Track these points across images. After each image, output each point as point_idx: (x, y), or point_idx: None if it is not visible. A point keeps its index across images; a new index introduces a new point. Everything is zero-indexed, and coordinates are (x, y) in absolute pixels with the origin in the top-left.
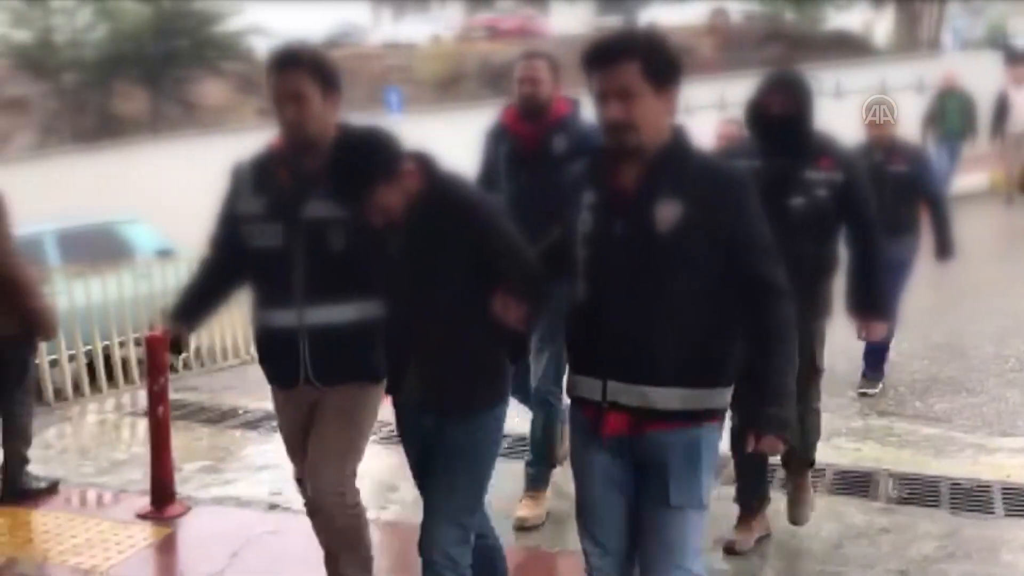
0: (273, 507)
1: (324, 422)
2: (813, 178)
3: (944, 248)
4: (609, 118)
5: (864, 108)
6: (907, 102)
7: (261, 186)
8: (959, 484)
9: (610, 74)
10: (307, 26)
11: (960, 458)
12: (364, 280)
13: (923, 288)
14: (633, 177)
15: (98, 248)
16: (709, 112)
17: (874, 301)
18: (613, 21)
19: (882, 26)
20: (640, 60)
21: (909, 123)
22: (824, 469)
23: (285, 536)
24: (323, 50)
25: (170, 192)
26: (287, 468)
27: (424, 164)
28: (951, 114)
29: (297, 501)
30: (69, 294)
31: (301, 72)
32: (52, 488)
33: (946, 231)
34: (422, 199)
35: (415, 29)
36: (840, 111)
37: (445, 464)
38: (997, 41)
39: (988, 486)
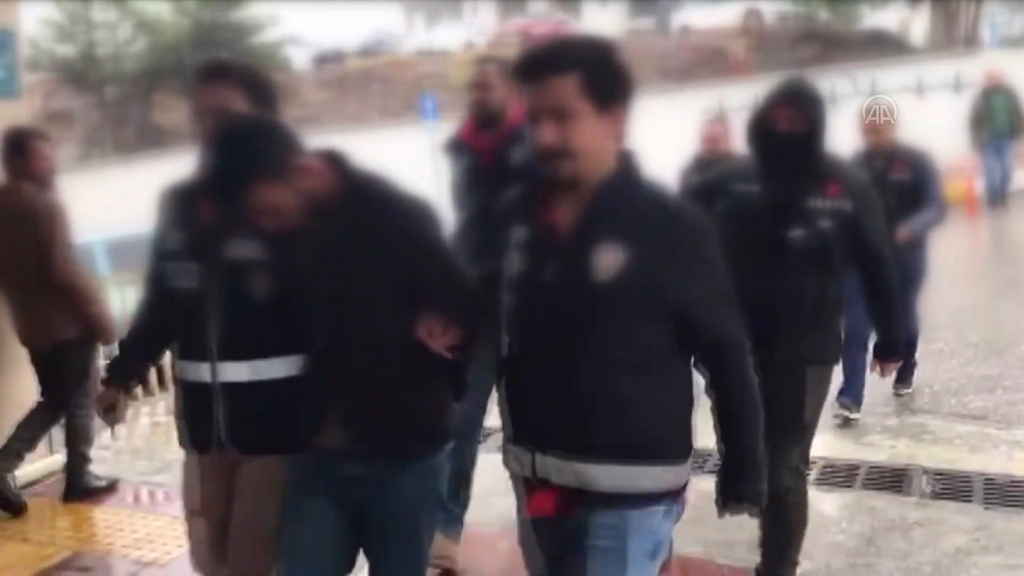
0: None
1: (242, 500)
2: (818, 207)
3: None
4: (541, 142)
5: (862, 110)
6: (944, 101)
7: (182, 218)
8: (993, 480)
9: (543, 90)
10: (342, 35)
11: (994, 454)
12: (293, 332)
13: (960, 287)
14: (570, 213)
15: (146, 256)
16: (744, 114)
17: (888, 344)
18: (646, 23)
19: (919, 24)
20: (579, 73)
21: (946, 123)
22: (859, 466)
23: None
24: (254, 66)
25: None
26: None
27: (334, 162)
28: (998, 112)
29: None
30: (121, 301)
31: (228, 85)
32: (112, 486)
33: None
34: (334, 202)
35: (448, 36)
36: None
37: (380, 531)
38: None
39: (1021, 482)
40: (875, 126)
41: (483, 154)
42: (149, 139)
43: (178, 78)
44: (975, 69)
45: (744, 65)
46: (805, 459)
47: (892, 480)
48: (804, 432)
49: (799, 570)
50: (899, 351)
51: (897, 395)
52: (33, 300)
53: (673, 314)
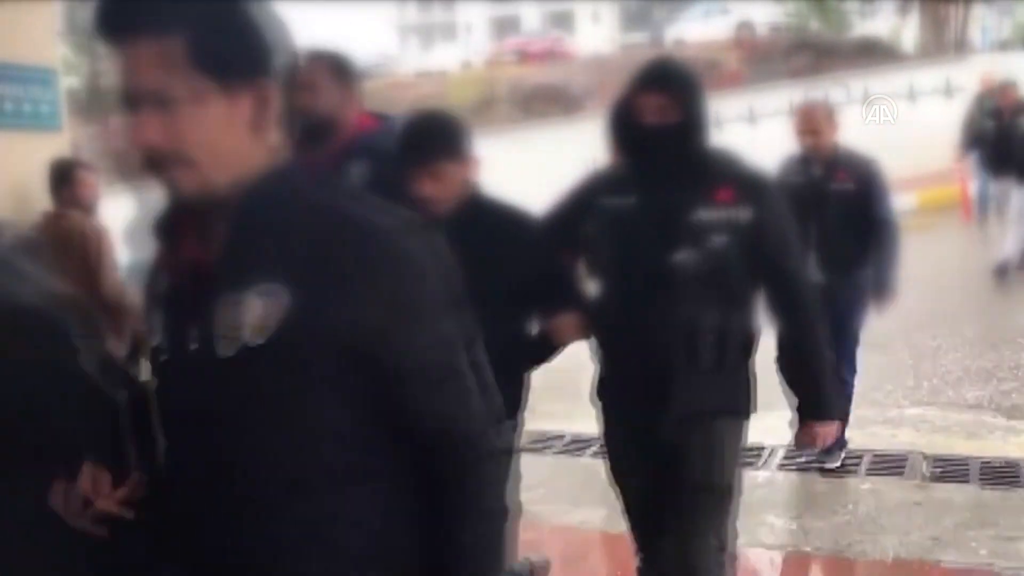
0: None
1: None
2: (706, 219)
3: (884, 288)
4: (134, 140)
5: (796, 114)
6: (936, 107)
7: None
8: (988, 462)
9: (131, 59)
10: None
11: (990, 440)
12: None
13: (954, 286)
14: (205, 248)
15: None
16: (739, 125)
17: (812, 402)
18: (640, 38)
19: (909, 31)
20: (182, 35)
21: (938, 128)
22: (862, 454)
23: None
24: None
25: None
26: None
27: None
28: (990, 118)
29: None
30: None
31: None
32: None
33: (889, 266)
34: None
35: (445, 57)
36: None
37: None
38: None
39: (1016, 463)
40: (813, 127)
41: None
42: None
43: None
44: (966, 74)
45: (738, 77)
46: (724, 538)
47: (894, 466)
48: (723, 502)
49: (808, 548)
50: (829, 411)
51: (822, 470)
52: None
53: (373, 391)
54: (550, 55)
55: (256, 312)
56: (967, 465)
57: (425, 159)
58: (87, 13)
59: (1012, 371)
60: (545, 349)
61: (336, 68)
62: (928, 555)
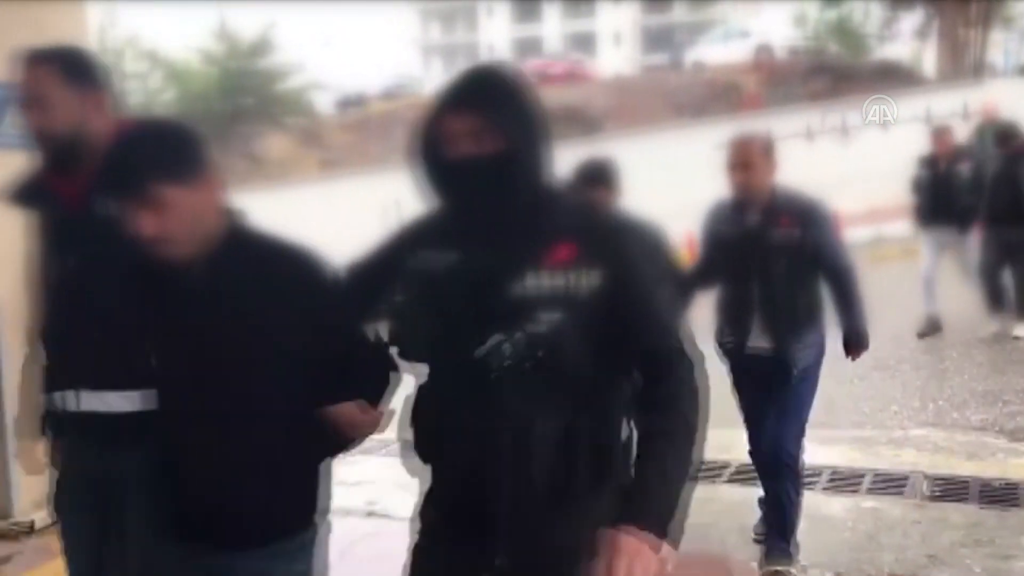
0: (370, 515)
1: None
2: (543, 288)
3: (857, 339)
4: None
5: (729, 146)
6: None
7: None
8: (988, 483)
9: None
10: (364, 80)
11: (991, 460)
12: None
13: (966, 310)
14: None
15: None
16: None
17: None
18: (660, 59)
19: (929, 54)
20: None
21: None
22: (864, 473)
23: (384, 539)
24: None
25: None
26: (379, 482)
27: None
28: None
29: (393, 509)
30: None
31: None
32: None
33: (857, 315)
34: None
35: None
36: (887, 142)
37: None
38: None
39: (1015, 484)
40: (745, 160)
41: (64, 200)
42: None
43: (207, 125)
44: (984, 98)
45: (757, 99)
46: None
47: (895, 485)
48: None
49: (806, 562)
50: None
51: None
52: None
53: None
54: (571, 76)
55: None
56: (967, 485)
57: (136, 185)
58: None
59: (1017, 394)
60: (334, 442)
61: (67, 72)
62: (923, 572)
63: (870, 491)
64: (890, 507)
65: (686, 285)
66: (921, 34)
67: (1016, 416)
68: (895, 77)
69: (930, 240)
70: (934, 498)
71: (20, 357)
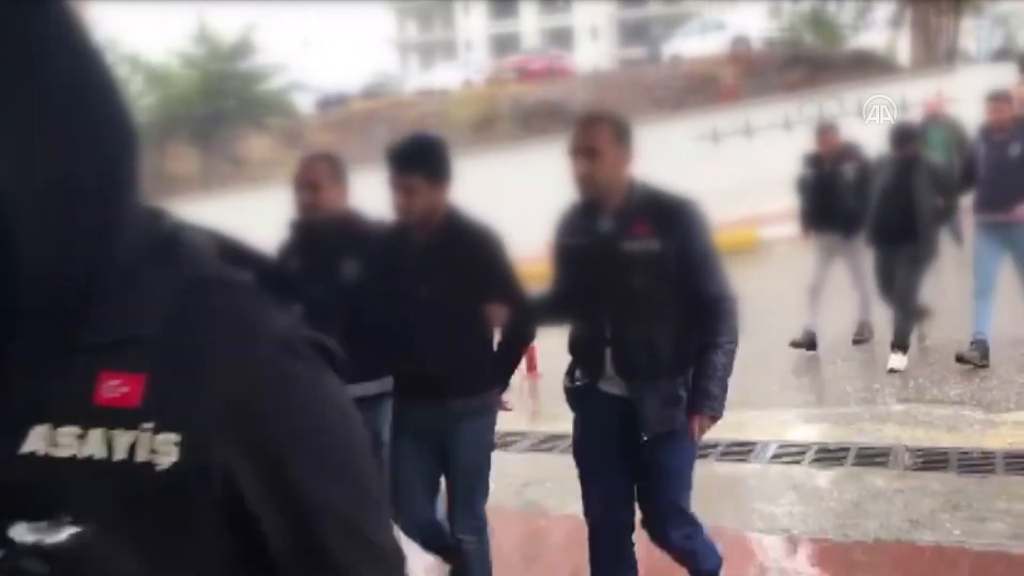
0: None
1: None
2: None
3: (702, 404)
4: None
5: (297, 165)
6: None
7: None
8: (967, 453)
9: None
10: (343, 79)
11: (969, 432)
12: None
13: (944, 294)
14: None
15: None
16: (736, 139)
17: None
18: (638, 54)
19: (903, 43)
20: None
21: None
22: (849, 447)
23: None
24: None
25: None
26: None
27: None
28: (934, 149)
29: None
30: None
31: None
32: None
33: (711, 372)
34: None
35: (446, 75)
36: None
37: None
38: (1013, 52)
39: (992, 453)
40: (311, 181)
41: None
42: (163, 188)
43: (189, 127)
44: (957, 84)
45: (734, 91)
46: None
47: (878, 457)
48: None
49: (796, 532)
50: None
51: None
52: None
53: None
54: (550, 72)
55: None
56: (946, 455)
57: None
58: None
59: (992, 369)
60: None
61: None
62: (906, 536)
63: (855, 463)
64: (874, 478)
65: (535, 316)
66: (894, 23)
67: (992, 390)
68: (870, 66)
69: (817, 246)
70: (915, 468)
71: None
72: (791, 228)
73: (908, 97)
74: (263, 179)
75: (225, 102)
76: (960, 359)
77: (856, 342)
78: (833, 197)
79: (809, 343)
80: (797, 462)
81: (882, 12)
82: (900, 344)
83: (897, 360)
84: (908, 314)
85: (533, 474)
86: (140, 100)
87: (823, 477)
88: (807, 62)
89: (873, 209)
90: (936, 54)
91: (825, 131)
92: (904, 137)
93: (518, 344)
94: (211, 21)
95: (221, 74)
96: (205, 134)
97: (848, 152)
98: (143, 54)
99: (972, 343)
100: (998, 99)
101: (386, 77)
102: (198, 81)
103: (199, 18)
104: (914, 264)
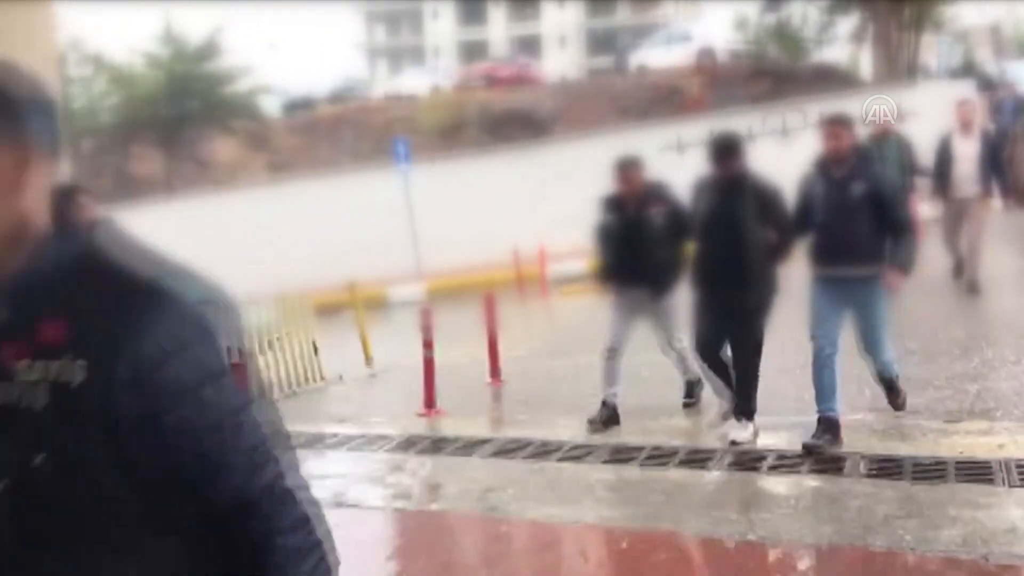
0: (339, 504)
1: None
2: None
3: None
4: None
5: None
6: None
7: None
8: (920, 461)
9: None
10: (311, 83)
11: (923, 441)
12: None
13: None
14: None
15: None
16: (701, 149)
17: None
18: (605, 62)
19: (865, 57)
20: None
21: None
22: (803, 458)
23: (349, 528)
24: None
25: (185, 247)
26: (346, 476)
27: None
28: (889, 164)
29: (359, 500)
30: None
31: None
32: None
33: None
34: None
35: (415, 81)
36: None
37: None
38: (972, 68)
39: (944, 461)
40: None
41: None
42: (126, 189)
43: (153, 129)
44: (917, 99)
45: (699, 102)
46: None
47: (834, 465)
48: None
49: (753, 537)
50: None
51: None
52: None
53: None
54: (518, 80)
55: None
56: (901, 463)
57: None
58: None
59: (947, 380)
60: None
61: None
62: (859, 541)
63: (811, 471)
64: (829, 485)
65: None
66: (857, 38)
67: (946, 400)
68: (833, 80)
69: (618, 306)
70: (870, 475)
71: None
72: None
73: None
74: (228, 182)
75: (190, 104)
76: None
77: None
78: (637, 249)
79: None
80: (755, 470)
81: (845, 27)
82: (744, 411)
83: (739, 432)
84: (749, 383)
85: (496, 480)
86: (104, 100)
87: (781, 484)
88: (771, 74)
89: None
90: (897, 69)
91: (626, 168)
92: (725, 149)
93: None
94: (177, 22)
95: (187, 75)
96: (170, 136)
97: (654, 193)
98: (108, 54)
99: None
100: (835, 124)
101: (354, 81)
102: (163, 82)
103: (165, 18)
104: (750, 317)
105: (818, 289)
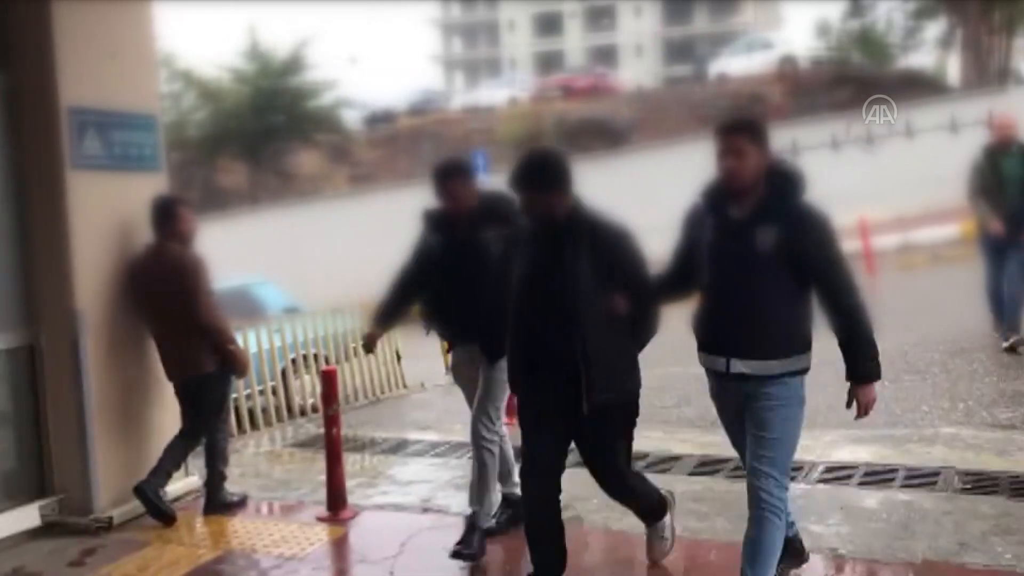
0: (426, 510)
1: None
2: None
3: None
4: None
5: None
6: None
7: None
8: (1017, 476)
9: None
10: (391, 96)
11: (1019, 456)
12: None
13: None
14: None
15: (237, 307)
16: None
17: None
18: (682, 71)
19: (953, 63)
20: None
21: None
22: (897, 469)
23: (441, 531)
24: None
25: (269, 257)
26: (432, 481)
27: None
28: (1010, 182)
29: (444, 506)
30: None
31: None
32: (243, 501)
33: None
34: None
35: (492, 93)
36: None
37: None
38: None
39: None
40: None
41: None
42: (213, 201)
43: (239, 142)
44: (1008, 106)
45: (782, 110)
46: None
47: (927, 479)
48: None
49: (843, 552)
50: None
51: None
52: (180, 341)
53: None
54: (595, 90)
55: None
56: (997, 479)
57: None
58: None
59: None
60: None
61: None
62: (955, 557)
63: (903, 486)
64: (922, 500)
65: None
66: (945, 43)
67: None
68: (919, 86)
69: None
70: (964, 491)
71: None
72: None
73: (958, 117)
74: (311, 193)
75: (275, 117)
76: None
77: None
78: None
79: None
80: (846, 483)
81: (932, 31)
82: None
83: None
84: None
85: (581, 489)
86: (193, 115)
87: (872, 498)
88: (855, 81)
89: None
90: (987, 74)
91: (447, 176)
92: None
93: None
94: (263, 38)
95: (272, 90)
96: (255, 149)
97: (495, 209)
98: (197, 69)
99: None
100: (733, 133)
101: (432, 94)
102: (249, 97)
103: (251, 35)
104: (604, 432)
105: (715, 396)
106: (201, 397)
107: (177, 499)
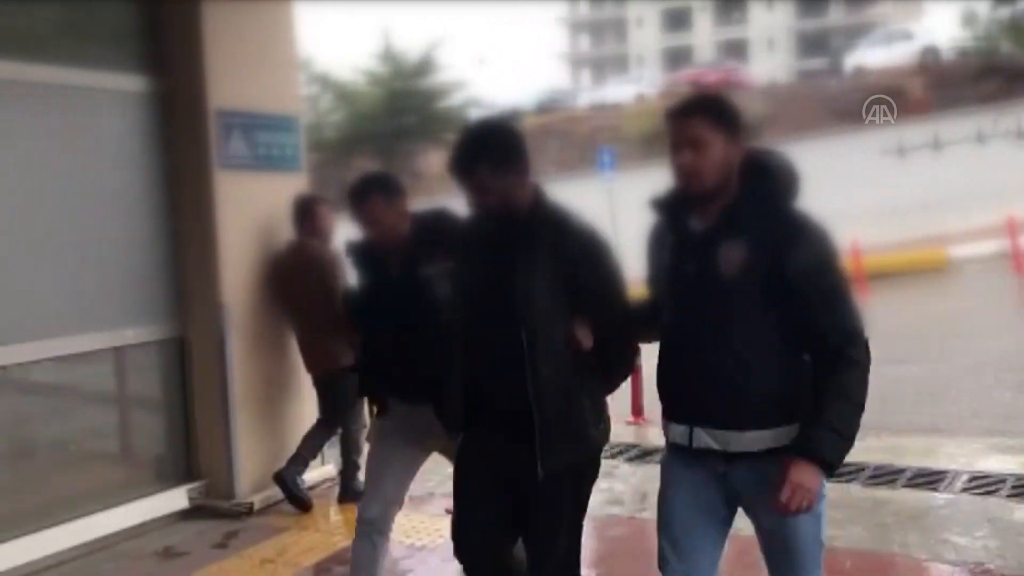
0: None
1: None
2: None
3: None
4: None
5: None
6: None
7: None
8: None
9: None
10: (518, 96)
11: None
12: None
13: None
14: None
15: None
16: (923, 153)
17: None
18: (817, 64)
19: None
20: None
21: None
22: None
23: None
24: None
25: None
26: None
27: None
28: None
29: None
30: None
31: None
32: None
33: None
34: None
35: (619, 90)
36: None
37: None
38: None
39: None
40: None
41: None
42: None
43: (373, 143)
44: None
45: (923, 103)
46: None
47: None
48: None
49: (992, 566)
50: None
51: None
52: (319, 335)
53: None
54: (725, 85)
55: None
56: None
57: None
58: None
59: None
60: None
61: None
62: None
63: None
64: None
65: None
66: None
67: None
68: None
69: (383, 434)
70: None
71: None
72: (985, 247)
73: None
74: (441, 192)
75: (408, 118)
76: None
77: None
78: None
79: None
80: (995, 494)
81: None
82: None
83: None
84: None
85: None
86: (329, 116)
87: (1021, 511)
88: (1004, 72)
89: None
90: None
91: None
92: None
93: None
94: (395, 40)
95: (404, 92)
96: (388, 149)
97: (436, 236)
98: (333, 72)
99: None
100: (682, 117)
101: (559, 92)
102: (383, 98)
103: (384, 38)
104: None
105: (668, 469)
106: (337, 390)
107: (313, 487)
